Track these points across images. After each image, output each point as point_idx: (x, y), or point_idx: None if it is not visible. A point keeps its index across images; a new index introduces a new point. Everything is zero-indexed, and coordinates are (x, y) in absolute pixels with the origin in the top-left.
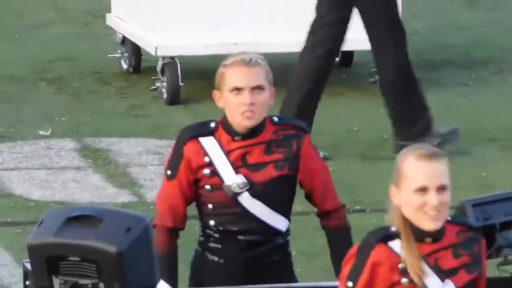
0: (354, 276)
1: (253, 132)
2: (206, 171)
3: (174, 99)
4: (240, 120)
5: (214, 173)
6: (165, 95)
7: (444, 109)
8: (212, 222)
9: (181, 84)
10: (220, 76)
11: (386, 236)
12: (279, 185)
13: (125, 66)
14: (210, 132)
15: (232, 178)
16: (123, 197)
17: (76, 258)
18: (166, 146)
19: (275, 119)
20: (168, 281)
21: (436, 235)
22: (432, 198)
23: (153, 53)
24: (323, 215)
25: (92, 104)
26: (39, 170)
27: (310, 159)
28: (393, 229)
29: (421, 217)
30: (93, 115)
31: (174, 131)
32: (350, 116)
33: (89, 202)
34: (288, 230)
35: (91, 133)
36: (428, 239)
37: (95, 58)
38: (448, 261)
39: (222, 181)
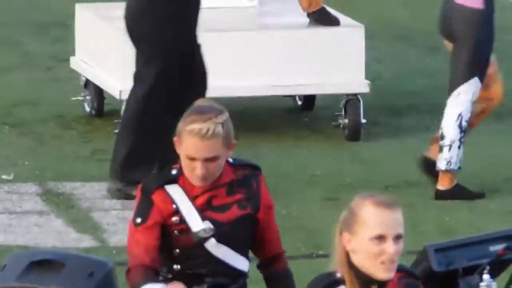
0: None
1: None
2: (175, 218)
3: None
4: (193, 182)
5: (182, 221)
6: None
7: (407, 155)
8: (176, 267)
9: None
10: (179, 130)
11: (331, 283)
12: (242, 224)
13: (88, 109)
14: (174, 180)
15: (198, 225)
16: (86, 241)
17: None
18: None
19: (230, 160)
20: None
21: (383, 283)
22: (390, 247)
23: (117, 97)
24: (271, 259)
25: (55, 148)
26: (2, 214)
27: (267, 197)
28: (338, 275)
29: (375, 265)
30: (56, 159)
31: None
32: (313, 161)
33: (52, 247)
34: (248, 272)
35: (54, 177)
36: (374, 286)
37: (58, 102)
38: None
39: (189, 228)
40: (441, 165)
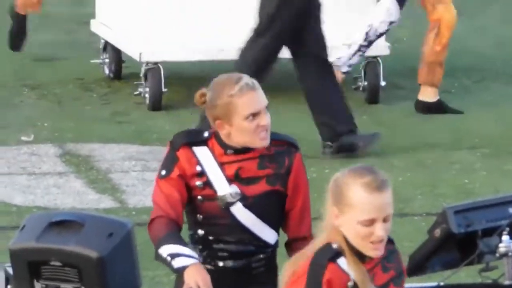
0: None
1: (246, 148)
2: (198, 182)
3: (156, 104)
4: (257, 143)
5: (207, 184)
6: (147, 101)
7: (426, 117)
8: (201, 232)
9: (164, 90)
10: (227, 106)
11: (334, 255)
12: (270, 199)
13: (107, 71)
14: (204, 141)
15: (225, 188)
16: (105, 202)
17: (58, 263)
18: (148, 152)
19: None
20: (185, 250)
21: None
22: (379, 230)
23: (137, 59)
24: (294, 241)
25: (74, 111)
26: (21, 175)
27: (299, 176)
28: (335, 246)
29: (365, 245)
30: (75, 121)
31: (157, 137)
32: None
33: (71, 208)
34: (276, 243)
35: (73, 139)
36: (368, 258)
37: (77, 64)
38: (380, 276)
39: (215, 192)
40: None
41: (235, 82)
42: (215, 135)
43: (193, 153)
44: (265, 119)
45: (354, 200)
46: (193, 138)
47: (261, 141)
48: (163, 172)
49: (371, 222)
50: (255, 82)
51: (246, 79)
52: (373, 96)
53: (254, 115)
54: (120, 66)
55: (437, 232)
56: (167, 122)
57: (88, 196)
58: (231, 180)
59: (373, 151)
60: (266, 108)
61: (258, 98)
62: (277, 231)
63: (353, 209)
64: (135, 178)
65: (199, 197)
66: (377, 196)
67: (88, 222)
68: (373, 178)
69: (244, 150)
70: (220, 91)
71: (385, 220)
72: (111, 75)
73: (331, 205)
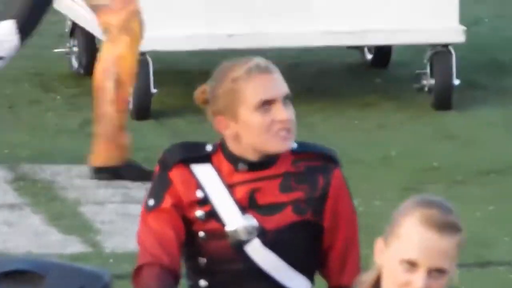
0: None
1: (264, 161)
2: (200, 213)
3: (143, 110)
4: (274, 145)
5: (211, 215)
6: (131, 106)
7: (508, 128)
8: (203, 283)
9: (153, 90)
10: (230, 94)
11: None
12: (299, 233)
13: (76, 65)
14: (206, 157)
15: (237, 220)
16: (73, 246)
17: None
18: None
19: (294, 145)
20: None
21: None
22: (418, 281)
23: None
24: None
25: (31, 119)
26: None
27: (340, 201)
28: None
29: None
30: (32, 134)
31: (143, 155)
32: (386, 137)
33: (26, 253)
34: None
35: (30, 158)
36: None
37: (35, 55)
38: None
39: (222, 225)
40: None
41: (242, 63)
42: (221, 147)
43: (191, 173)
44: (284, 112)
45: (403, 231)
46: (192, 153)
47: (281, 143)
48: (151, 202)
49: (412, 266)
50: (270, 64)
51: (258, 60)
52: (443, 99)
53: (267, 104)
54: (93, 58)
55: None
56: (157, 135)
57: (50, 237)
58: (244, 208)
59: (444, 175)
60: (286, 99)
61: (272, 82)
62: (310, 278)
63: (399, 241)
64: (114, 212)
65: (201, 233)
66: (433, 235)
67: (51, 272)
68: (438, 213)
69: (262, 164)
70: (223, 77)
71: (432, 273)
72: (81, 70)
73: (380, 240)
